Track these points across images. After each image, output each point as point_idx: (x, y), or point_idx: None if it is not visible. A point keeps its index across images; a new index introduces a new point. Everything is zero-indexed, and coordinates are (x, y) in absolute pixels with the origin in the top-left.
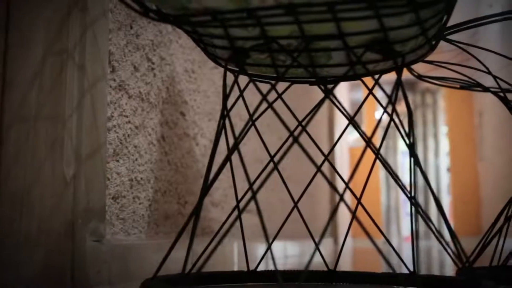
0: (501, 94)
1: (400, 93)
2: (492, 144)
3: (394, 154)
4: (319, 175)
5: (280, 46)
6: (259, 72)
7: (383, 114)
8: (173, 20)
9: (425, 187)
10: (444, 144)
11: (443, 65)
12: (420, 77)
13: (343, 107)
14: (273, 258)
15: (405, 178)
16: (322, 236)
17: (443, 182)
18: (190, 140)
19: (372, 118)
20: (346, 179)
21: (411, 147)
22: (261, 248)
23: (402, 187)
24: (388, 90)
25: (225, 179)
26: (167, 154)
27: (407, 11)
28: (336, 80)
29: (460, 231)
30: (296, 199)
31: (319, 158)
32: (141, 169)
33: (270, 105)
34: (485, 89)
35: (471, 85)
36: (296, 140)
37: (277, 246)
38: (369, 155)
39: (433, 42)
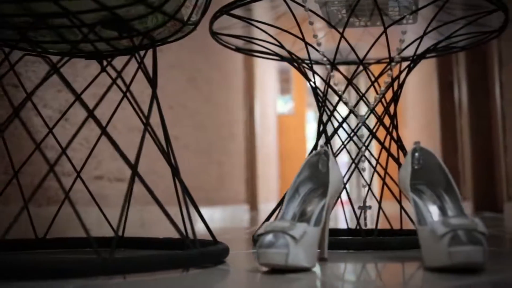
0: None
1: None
2: (411, 113)
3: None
4: (235, 143)
5: (5, 23)
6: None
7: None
8: None
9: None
10: None
11: (256, 41)
12: (238, 50)
13: (116, 83)
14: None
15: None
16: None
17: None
18: (28, 111)
19: (302, 86)
20: (274, 146)
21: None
22: (133, 214)
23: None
24: None
25: (82, 149)
26: None
27: None
28: (112, 55)
29: (388, 197)
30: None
31: (238, 125)
32: None
33: (57, 74)
34: (283, 60)
35: (282, 57)
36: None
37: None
38: (299, 124)
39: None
